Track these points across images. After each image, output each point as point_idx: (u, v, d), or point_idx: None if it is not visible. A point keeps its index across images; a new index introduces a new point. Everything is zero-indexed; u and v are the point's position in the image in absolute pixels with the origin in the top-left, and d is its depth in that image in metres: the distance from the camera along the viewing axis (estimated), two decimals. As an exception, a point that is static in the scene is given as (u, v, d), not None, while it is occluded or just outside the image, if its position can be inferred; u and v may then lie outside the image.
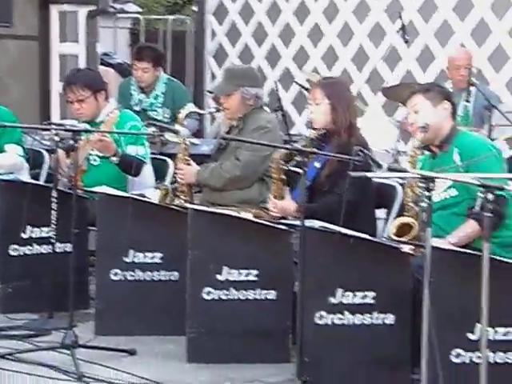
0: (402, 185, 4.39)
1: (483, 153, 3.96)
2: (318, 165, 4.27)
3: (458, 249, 3.65)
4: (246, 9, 9.50)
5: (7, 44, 8.68)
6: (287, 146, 4.45)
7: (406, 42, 7.63)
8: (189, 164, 5.08)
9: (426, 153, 4.23)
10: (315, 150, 4.07)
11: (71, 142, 4.22)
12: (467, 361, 3.54)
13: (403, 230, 4.03)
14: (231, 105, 5.04)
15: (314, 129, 4.56)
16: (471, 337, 3.52)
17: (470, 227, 3.80)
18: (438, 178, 3.29)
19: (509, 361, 3.57)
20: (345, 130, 4.44)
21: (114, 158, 5.08)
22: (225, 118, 5.36)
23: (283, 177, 4.57)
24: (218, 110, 5.45)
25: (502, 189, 3.13)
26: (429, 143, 4.11)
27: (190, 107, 6.28)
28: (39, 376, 3.79)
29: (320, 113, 4.51)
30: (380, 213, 4.75)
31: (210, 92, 7.27)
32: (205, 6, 9.87)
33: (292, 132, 7.34)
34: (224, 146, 5.12)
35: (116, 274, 4.62)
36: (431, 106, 4.13)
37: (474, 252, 3.39)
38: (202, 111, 6.33)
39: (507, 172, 4.42)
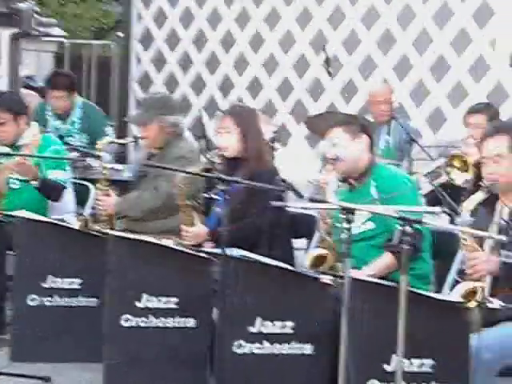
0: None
1: (399, 186, 4.06)
2: (231, 191, 4.28)
3: (376, 280, 3.70)
4: (173, 36, 9.56)
5: None
6: (209, 174, 4.45)
7: (330, 74, 7.78)
8: (108, 194, 5.05)
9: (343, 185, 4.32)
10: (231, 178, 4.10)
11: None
12: None
13: (318, 261, 4.09)
14: (149, 134, 5.03)
15: (224, 157, 4.62)
16: (387, 368, 3.54)
17: (386, 260, 3.90)
18: (357, 209, 3.35)
19: None
20: (254, 159, 4.50)
21: (35, 182, 5.04)
22: (144, 146, 5.36)
23: (189, 202, 4.58)
24: (136, 140, 5.44)
25: (419, 222, 3.21)
26: (347, 176, 4.19)
27: (109, 137, 6.30)
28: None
29: (231, 141, 4.56)
30: (301, 243, 4.83)
31: (127, 122, 7.25)
32: (130, 32, 9.89)
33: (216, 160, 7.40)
34: (144, 174, 5.10)
35: (33, 300, 4.54)
36: (349, 139, 4.18)
37: (392, 284, 3.45)
38: (120, 141, 6.22)
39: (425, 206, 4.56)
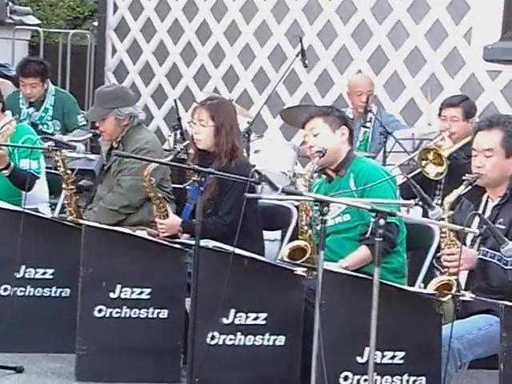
0: (297, 207, 4.52)
1: (377, 179, 4.10)
2: (203, 183, 4.32)
3: (350, 272, 3.77)
4: (148, 26, 9.64)
5: None
6: (184, 165, 4.53)
7: (306, 66, 7.83)
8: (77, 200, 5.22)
9: (323, 176, 4.36)
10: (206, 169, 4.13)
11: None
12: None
13: (297, 252, 4.16)
14: (106, 128, 5.14)
15: (197, 149, 4.70)
16: (360, 360, 3.60)
17: (361, 252, 3.95)
18: (331, 202, 3.38)
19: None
20: (226, 153, 4.56)
21: (6, 171, 5.04)
22: (103, 140, 5.42)
23: (160, 194, 4.73)
24: (95, 134, 5.51)
25: (393, 215, 3.24)
26: (326, 167, 4.23)
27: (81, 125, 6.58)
28: None
29: (205, 134, 4.62)
30: (275, 234, 4.88)
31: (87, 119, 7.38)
32: (106, 21, 9.94)
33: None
34: (108, 167, 5.20)
35: (6, 290, 4.60)
36: (330, 130, 4.21)
37: (365, 276, 3.51)
38: (79, 138, 6.35)
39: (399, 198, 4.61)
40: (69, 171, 5.09)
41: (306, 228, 4.25)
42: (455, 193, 3.68)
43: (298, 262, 4.12)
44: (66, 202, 5.17)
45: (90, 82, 10.45)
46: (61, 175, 5.17)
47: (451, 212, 3.66)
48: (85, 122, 6.98)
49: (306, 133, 4.35)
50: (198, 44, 9.29)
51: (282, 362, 4.08)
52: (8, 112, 5.66)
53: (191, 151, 4.77)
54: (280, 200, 4.59)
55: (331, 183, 4.27)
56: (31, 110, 7.06)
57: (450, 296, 3.56)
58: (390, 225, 3.61)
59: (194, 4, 9.35)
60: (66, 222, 4.84)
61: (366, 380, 3.53)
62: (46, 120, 7.01)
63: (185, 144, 5.02)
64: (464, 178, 3.71)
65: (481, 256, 3.59)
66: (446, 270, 3.63)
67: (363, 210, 3.66)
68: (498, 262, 3.56)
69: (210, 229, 4.22)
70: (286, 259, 4.19)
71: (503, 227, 3.56)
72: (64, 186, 5.13)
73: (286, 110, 7.63)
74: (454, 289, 3.49)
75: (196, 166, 3.98)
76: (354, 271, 3.84)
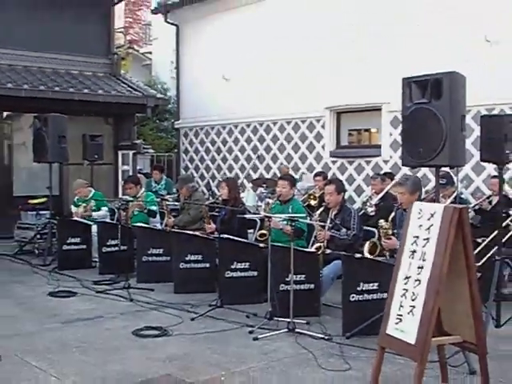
0: (261, 220, 9.24)
1: (298, 206, 8.90)
2: (223, 212, 9.20)
3: (281, 245, 7.65)
4: (198, 152, 18.39)
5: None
6: (215, 205, 9.67)
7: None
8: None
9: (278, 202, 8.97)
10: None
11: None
12: (287, 288, 7.23)
13: (262, 237, 8.86)
14: (183, 192, 10.83)
15: (222, 199, 9.51)
16: (287, 279, 7.30)
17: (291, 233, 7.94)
18: (271, 217, 8.04)
19: (301, 287, 7.46)
20: (233, 200, 9.40)
21: (145, 211, 10.89)
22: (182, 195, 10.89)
23: (207, 215, 9.46)
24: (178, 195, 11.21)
25: (297, 220, 7.64)
26: (282, 200, 8.93)
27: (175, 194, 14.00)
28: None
29: (224, 192, 9.45)
30: (250, 231, 9.82)
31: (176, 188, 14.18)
32: (180, 149, 19.66)
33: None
34: (183, 207, 10.31)
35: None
36: (288, 185, 9.05)
37: (287, 246, 7.29)
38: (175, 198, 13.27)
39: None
40: (168, 209, 10.41)
41: (266, 226, 8.46)
42: (320, 210, 8.38)
43: (262, 240, 8.71)
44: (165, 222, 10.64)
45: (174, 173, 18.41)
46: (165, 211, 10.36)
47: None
48: (174, 191, 12.55)
49: (280, 184, 9.06)
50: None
51: (256, 284, 8.24)
52: (143, 189, 11.30)
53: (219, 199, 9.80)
54: (252, 217, 9.54)
55: (282, 206, 8.93)
56: (155, 185, 13.72)
57: (321, 251, 7.88)
58: (296, 225, 7.70)
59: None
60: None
61: (289, 288, 7.13)
62: (162, 190, 13.11)
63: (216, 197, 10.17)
64: (322, 204, 8.40)
65: (331, 233, 8.20)
66: (320, 240, 8.09)
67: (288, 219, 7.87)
68: (338, 235, 8.12)
69: (226, 230, 8.88)
70: (258, 239, 8.85)
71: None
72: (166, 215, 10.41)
73: (254, 180, 13.61)
74: (322, 248, 7.98)
75: (220, 205, 9.17)
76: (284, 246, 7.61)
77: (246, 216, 9.37)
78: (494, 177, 9.81)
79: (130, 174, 15.52)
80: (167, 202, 10.78)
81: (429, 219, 4.82)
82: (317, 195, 11.23)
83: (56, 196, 14.30)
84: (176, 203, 11.56)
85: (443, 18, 12.26)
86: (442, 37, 12.16)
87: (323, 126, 14.69)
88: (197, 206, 10.11)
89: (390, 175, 11.81)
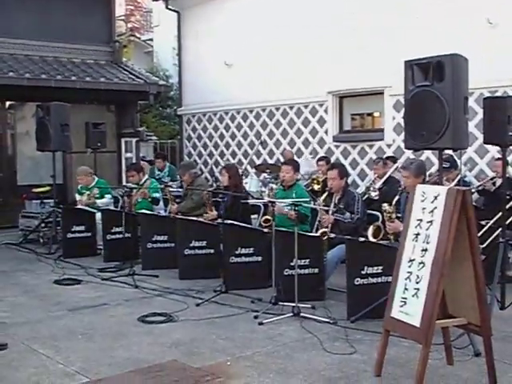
0: (265, 205, 9.26)
1: (301, 190, 8.93)
2: (226, 199, 9.14)
3: (284, 229, 7.70)
4: (202, 138, 18.22)
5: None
6: (218, 191, 9.72)
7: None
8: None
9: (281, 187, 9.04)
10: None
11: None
12: (292, 273, 7.23)
13: (266, 221, 8.85)
14: (186, 179, 10.82)
15: (224, 185, 9.51)
16: (291, 264, 7.28)
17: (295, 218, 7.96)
18: (276, 202, 8.10)
19: (306, 272, 7.46)
20: (235, 186, 9.42)
21: (150, 199, 11.01)
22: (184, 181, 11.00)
23: (210, 202, 9.46)
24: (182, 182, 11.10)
25: (301, 205, 7.71)
26: (285, 185, 9.00)
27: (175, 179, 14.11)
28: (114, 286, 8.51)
29: (225, 179, 9.46)
30: (254, 216, 9.84)
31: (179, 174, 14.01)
32: (183, 136, 19.50)
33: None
34: (186, 193, 10.33)
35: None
36: (292, 170, 9.14)
37: (291, 230, 7.34)
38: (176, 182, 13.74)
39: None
40: (172, 196, 10.39)
41: (270, 212, 8.57)
42: (325, 195, 8.37)
43: (266, 226, 8.67)
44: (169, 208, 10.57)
45: (177, 159, 18.66)
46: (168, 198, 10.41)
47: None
48: (178, 178, 12.57)
49: (283, 169, 9.15)
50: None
51: (261, 269, 8.29)
52: (146, 175, 11.46)
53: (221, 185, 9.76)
54: (256, 203, 9.59)
55: (286, 191, 9.00)
56: (159, 172, 13.87)
57: (325, 236, 7.87)
58: (299, 210, 7.69)
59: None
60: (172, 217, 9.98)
61: (293, 272, 7.13)
62: (165, 176, 13.24)
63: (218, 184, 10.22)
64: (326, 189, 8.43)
65: (335, 217, 8.22)
66: (325, 225, 8.12)
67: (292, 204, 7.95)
68: (342, 219, 8.15)
69: (229, 215, 8.81)
70: (262, 224, 8.80)
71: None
72: (170, 202, 10.44)
73: (259, 165, 13.45)
74: (327, 233, 7.97)
75: (223, 191, 9.17)
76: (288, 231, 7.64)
77: (249, 201, 9.36)
78: (498, 159, 9.77)
79: (134, 161, 15.58)
80: (170, 189, 10.81)
81: (432, 202, 4.83)
82: (320, 180, 11.23)
83: (60, 184, 14.33)
84: (180, 190, 11.63)
85: (445, 1, 12.18)
86: (444, 19, 12.09)
87: (326, 111, 14.65)
88: (199, 192, 10.12)
89: (393, 159, 11.80)
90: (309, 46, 14.62)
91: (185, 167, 10.87)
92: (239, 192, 9.48)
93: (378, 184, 10.51)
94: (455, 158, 9.88)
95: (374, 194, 9.93)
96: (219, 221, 9.08)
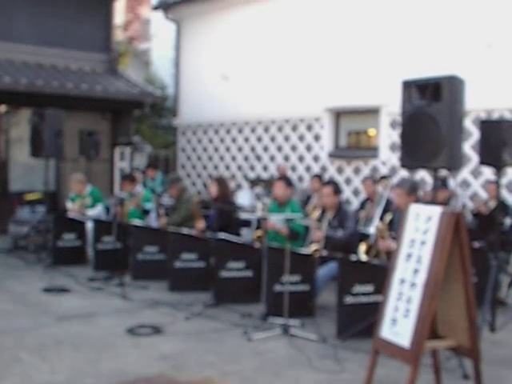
0: (258, 220, 9.26)
1: (294, 206, 8.85)
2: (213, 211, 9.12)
3: (277, 246, 7.67)
4: (196, 151, 18.09)
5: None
6: (207, 205, 9.56)
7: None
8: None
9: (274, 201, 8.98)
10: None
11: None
12: (282, 290, 7.22)
13: (258, 237, 8.84)
14: (173, 192, 10.62)
15: (212, 197, 9.44)
16: (282, 280, 7.35)
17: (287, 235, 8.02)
18: (268, 217, 8.09)
19: (297, 289, 7.39)
20: (222, 198, 9.34)
21: (139, 208, 10.81)
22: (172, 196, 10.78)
23: (199, 214, 9.38)
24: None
25: (291, 220, 7.72)
26: (279, 200, 8.89)
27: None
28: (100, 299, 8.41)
29: (213, 190, 9.43)
30: (245, 230, 9.77)
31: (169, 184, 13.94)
32: (177, 148, 19.61)
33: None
34: (174, 206, 10.19)
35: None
36: (285, 187, 8.93)
37: (282, 247, 7.38)
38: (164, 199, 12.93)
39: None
40: (161, 211, 10.36)
41: (261, 227, 8.69)
42: (316, 213, 8.37)
43: (260, 240, 8.56)
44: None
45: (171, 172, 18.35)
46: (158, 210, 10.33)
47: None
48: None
49: (276, 185, 9.06)
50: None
51: (251, 285, 8.24)
52: (140, 185, 11.41)
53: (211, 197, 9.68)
54: (247, 216, 9.52)
55: (280, 207, 8.90)
56: (151, 182, 13.83)
57: (317, 252, 7.80)
58: (292, 227, 7.78)
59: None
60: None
61: (284, 288, 7.07)
62: (158, 185, 13.28)
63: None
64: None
65: (326, 232, 8.20)
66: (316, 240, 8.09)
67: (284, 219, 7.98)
68: (334, 235, 8.13)
69: (219, 227, 8.84)
70: (256, 239, 8.66)
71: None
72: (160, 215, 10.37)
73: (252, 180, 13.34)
74: (319, 250, 7.95)
75: (211, 204, 8.95)
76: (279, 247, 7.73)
77: (242, 215, 9.38)
78: (493, 182, 9.80)
79: (128, 170, 15.41)
80: (163, 201, 10.80)
81: (426, 222, 4.80)
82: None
83: (52, 192, 14.26)
84: (165, 201, 11.71)
85: (444, 22, 12.24)
86: (442, 40, 12.15)
87: (322, 127, 14.66)
88: (186, 206, 10.13)
89: (386, 179, 11.79)
90: (307, 62, 14.67)
91: (171, 182, 10.80)
92: (228, 204, 9.45)
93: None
94: (449, 178, 9.86)
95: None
96: (210, 233, 9.03)
